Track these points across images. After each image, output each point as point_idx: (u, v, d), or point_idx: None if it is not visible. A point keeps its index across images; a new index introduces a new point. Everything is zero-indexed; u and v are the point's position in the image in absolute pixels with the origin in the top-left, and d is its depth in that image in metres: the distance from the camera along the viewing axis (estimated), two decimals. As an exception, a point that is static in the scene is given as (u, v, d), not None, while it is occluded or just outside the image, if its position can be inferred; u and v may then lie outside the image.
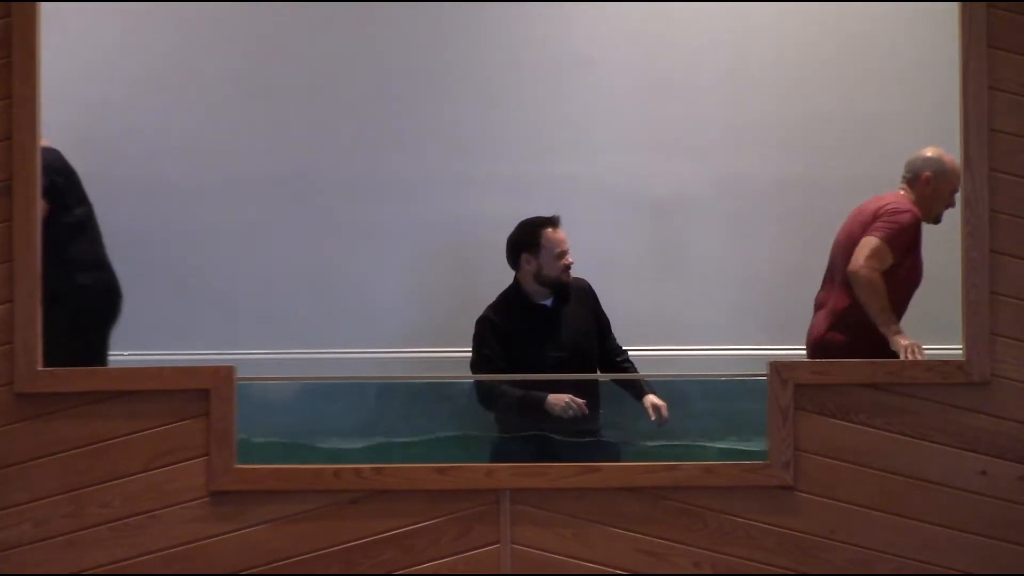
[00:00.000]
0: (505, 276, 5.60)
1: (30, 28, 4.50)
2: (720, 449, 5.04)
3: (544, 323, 5.46)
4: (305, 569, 4.50)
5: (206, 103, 5.96)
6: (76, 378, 4.50)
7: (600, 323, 5.54)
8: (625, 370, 5.45)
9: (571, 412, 5.24)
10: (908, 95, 5.99)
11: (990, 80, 4.53)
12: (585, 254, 6.00)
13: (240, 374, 4.54)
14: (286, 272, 5.98)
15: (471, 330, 5.51)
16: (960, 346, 4.56)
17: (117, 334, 5.73)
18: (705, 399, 5.32)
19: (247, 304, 5.84)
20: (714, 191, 6.03)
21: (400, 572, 4.52)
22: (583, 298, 5.51)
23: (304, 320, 5.94)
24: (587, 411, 5.25)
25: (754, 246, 6.03)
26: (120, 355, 5.41)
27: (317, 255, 6.02)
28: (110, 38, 5.95)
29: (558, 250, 5.46)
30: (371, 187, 5.97)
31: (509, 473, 4.52)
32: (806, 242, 6.00)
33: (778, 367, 4.54)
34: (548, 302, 5.49)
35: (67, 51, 5.55)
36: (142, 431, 4.51)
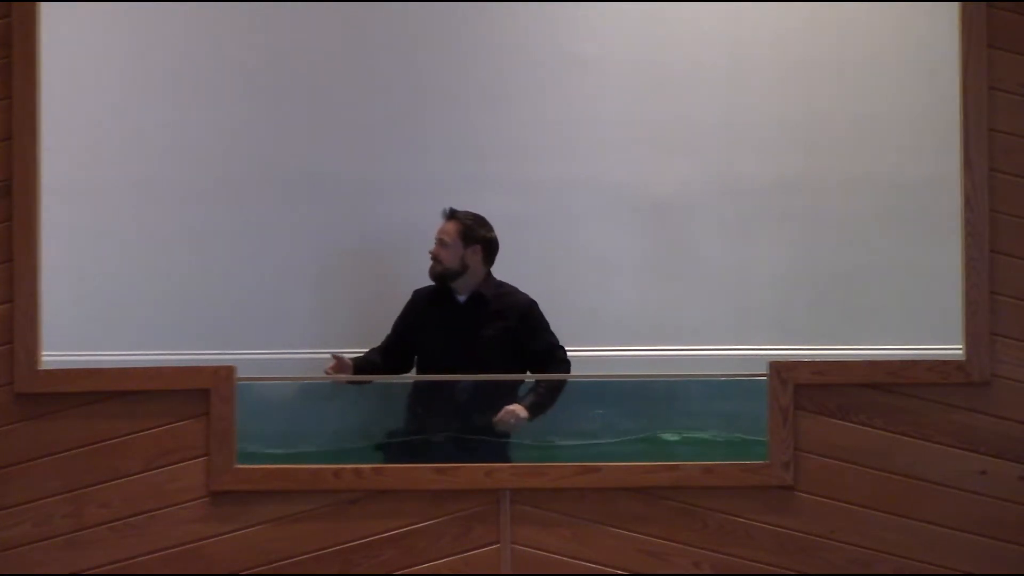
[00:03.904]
0: (502, 277, 5.60)
1: (30, 28, 4.51)
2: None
3: (449, 317, 5.48)
4: (305, 569, 4.50)
5: (207, 103, 5.95)
6: (76, 378, 4.51)
7: (522, 344, 5.44)
8: (531, 393, 5.31)
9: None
10: (908, 95, 5.99)
11: (990, 80, 4.53)
12: (585, 254, 6.01)
13: (240, 374, 4.55)
14: (288, 272, 5.98)
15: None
16: (960, 346, 4.56)
17: (117, 334, 5.73)
18: (701, 399, 5.32)
19: (247, 304, 5.83)
20: (714, 191, 6.03)
21: (400, 572, 4.52)
22: (511, 313, 5.48)
23: (305, 320, 5.93)
24: (331, 376, 5.31)
25: (754, 246, 6.03)
26: (120, 355, 5.41)
27: (319, 255, 6.01)
28: (110, 38, 5.95)
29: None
30: (371, 187, 5.97)
31: (509, 473, 4.53)
32: (806, 242, 6.00)
33: (778, 367, 4.54)
34: (462, 298, 5.52)
35: (67, 51, 5.55)
36: (142, 431, 4.51)
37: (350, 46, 5.99)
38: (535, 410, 5.22)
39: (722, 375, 5.26)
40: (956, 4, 4.56)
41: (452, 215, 5.55)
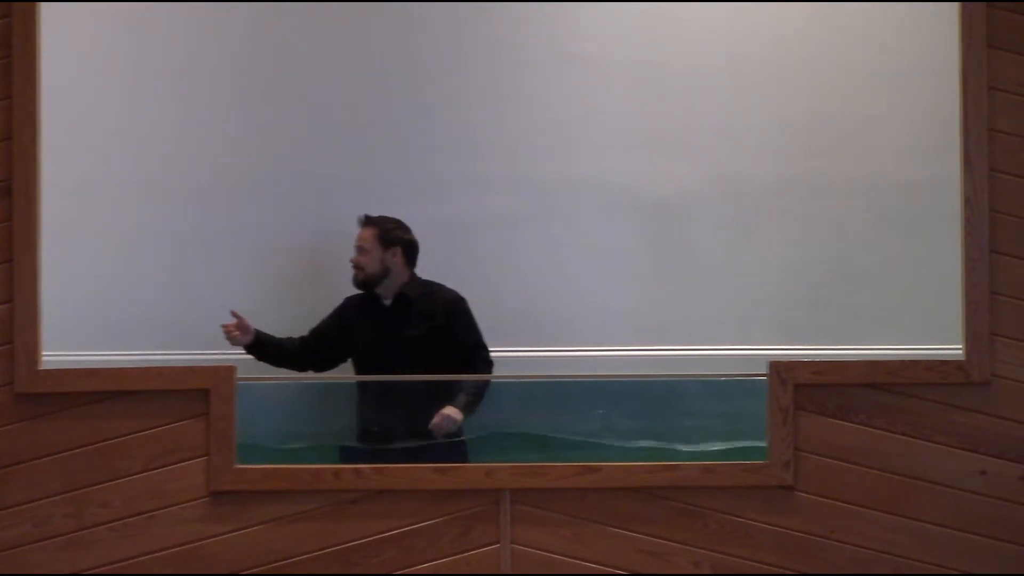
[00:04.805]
0: (502, 277, 5.59)
1: (30, 28, 4.51)
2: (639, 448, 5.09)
3: (376, 321, 5.51)
4: (305, 569, 4.50)
5: (207, 103, 5.95)
6: (76, 378, 4.51)
7: (449, 340, 5.48)
8: (462, 393, 5.35)
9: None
10: (908, 95, 5.99)
11: (990, 80, 4.53)
12: (585, 254, 6.01)
13: (240, 374, 4.55)
14: (288, 272, 5.98)
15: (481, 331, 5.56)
16: (960, 346, 4.56)
17: (117, 334, 5.73)
18: (701, 399, 5.33)
19: (247, 304, 5.83)
20: (714, 191, 6.03)
21: (400, 572, 4.52)
22: (438, 311, 5.51)
23: (307, 320, 5.93)
24: (231, 332, 5.42)
25: (754, 246, 6.02)
26: (120, 355, 5.41)
27: (319, 255, 6.01)
28: (110, 38, 5.95)
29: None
30: (371, 187, 5.97)
31: (509, 473, 4.53)
32: (806, 242, 6.00)
33: (778, 367, 4.54)
34: (388, 301, 5.55)
35: (67, 51, 5.55)
36: (142, 431, 4.51)
37: (350, 46, 5.99)
38: (469, 409, 5.31)
39: (722, 375, 5.26)
40: (956, 4, 4.56)
41: (368, 221, 5.59)
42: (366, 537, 4.52)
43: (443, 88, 6.02)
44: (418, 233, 5.64)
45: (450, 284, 5.66)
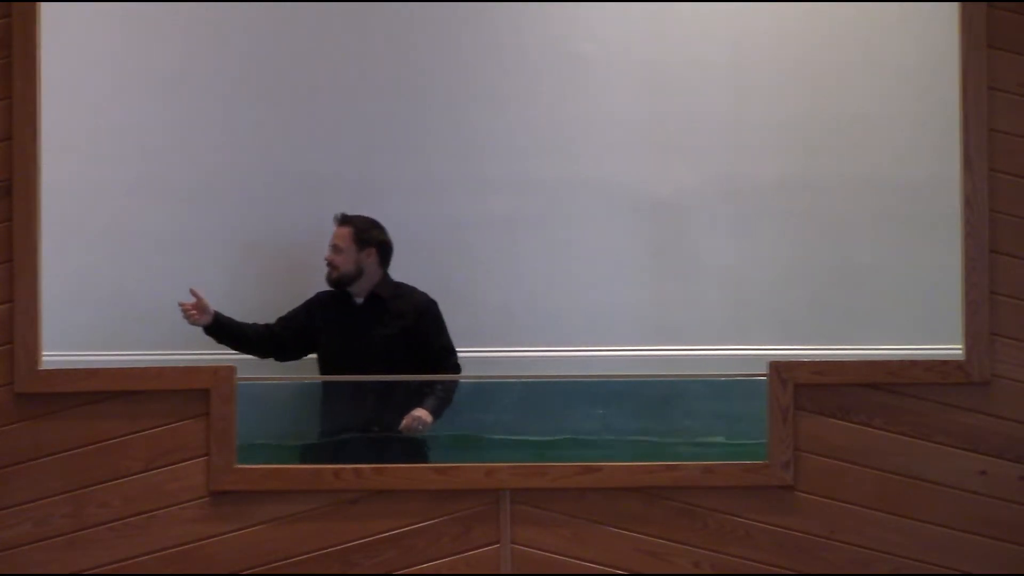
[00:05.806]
0: (503, 277, 5.59)
1: (30, 28, 4.51)
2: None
3: (347, 320, 5.53)
4: (305, 569, 4.50)
5: (207, 103, 5.95)
6: (76, 378, 4.51)
7: (420, 343, 5.50)
8: (431, 396, 5.34)
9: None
10: (907, 95, 5.99)
11: (990, 80, 4.53)
12: (585, 254, 6.01)
13: (240, 374, 4.55)
14: (289, 271, 5.98)
15: (478, 329, 5.55)
16: (960, 346, 4.56)
17: (117, 334, 5.73)
18: (701, 399, 5.33)
19: (247, 304, 5.83)
20: (714, 191, 6.03)
21: (400, 572, 4.52)
22: (408, 312, 5.52)
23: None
24: (189, 312, 5.42)
25: (754, 246, 6.03)
26: (120, 355, 5.41)
27: (319, 254, 6.01)
28: (110, 38, 5.95)
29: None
30: (371, 187, 5.97)
31: (509, 473, 4.53)
32: (806, 242, 6.00)
33: (778, 367, 4.54)
34: (360, 300, 5.56)
35: (67, 51, 5.55)
36: (142, 431, 4.51)
37: (350, 46, 5.99)
38: (438, 412, 5.31)
39: (722, 375, 5.26)
40: (956, 4, 4.56)
41: (345, 220, 5.61)
42: (366, 537, 4.52)
43: (443, 88, 6.02)
44: (418, 234, 5.65)
45: (450, 284, 5.67)
